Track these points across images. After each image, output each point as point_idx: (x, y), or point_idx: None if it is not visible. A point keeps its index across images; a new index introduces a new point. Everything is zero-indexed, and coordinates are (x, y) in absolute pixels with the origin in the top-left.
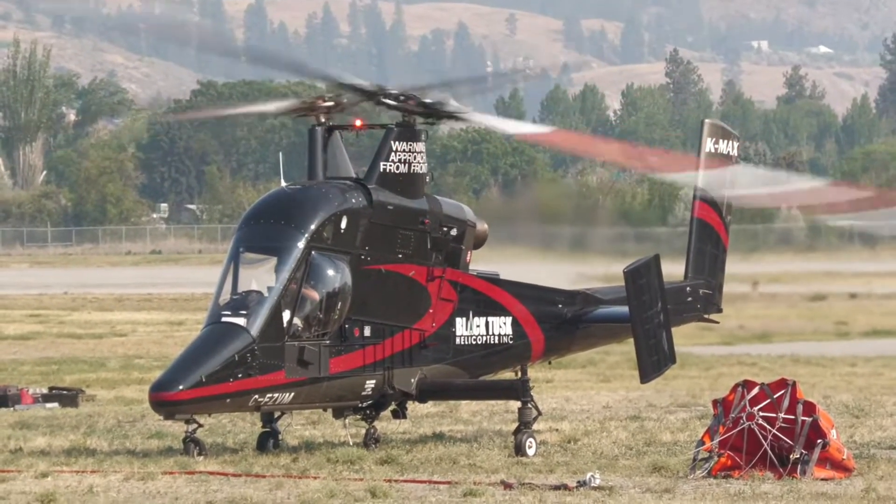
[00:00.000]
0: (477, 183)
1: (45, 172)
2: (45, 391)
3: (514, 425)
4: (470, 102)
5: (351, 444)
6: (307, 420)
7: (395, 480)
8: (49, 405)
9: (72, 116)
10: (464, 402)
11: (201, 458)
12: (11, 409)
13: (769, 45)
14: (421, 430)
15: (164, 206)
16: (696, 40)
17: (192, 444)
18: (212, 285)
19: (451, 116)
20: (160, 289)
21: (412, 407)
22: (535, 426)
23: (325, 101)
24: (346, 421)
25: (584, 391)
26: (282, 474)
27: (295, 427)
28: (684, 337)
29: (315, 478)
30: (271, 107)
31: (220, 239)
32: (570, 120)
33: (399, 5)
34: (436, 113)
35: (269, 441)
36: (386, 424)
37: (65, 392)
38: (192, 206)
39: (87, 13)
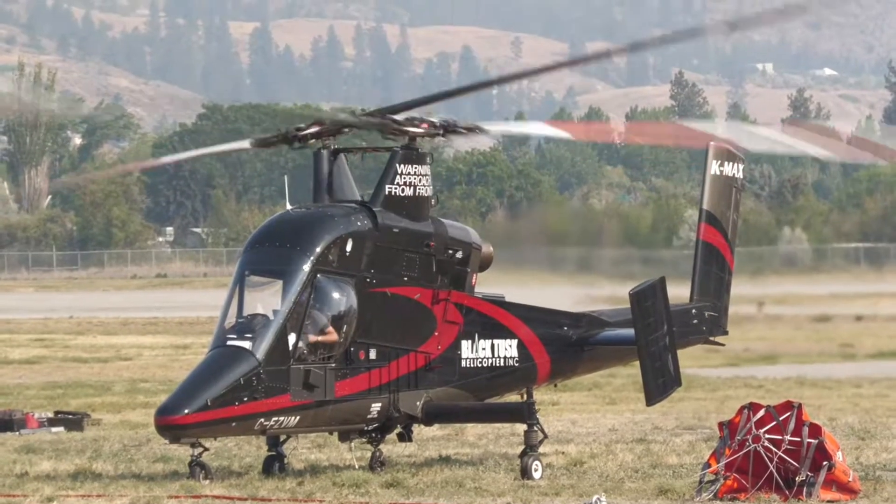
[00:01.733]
0: (483, 206)
1: (50, 196)
2: (50, 415)
3: (520, 448)
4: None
5: (356, 467)
6: (313, 443)
7: (401, 503)
8: (54, 429)
9: (77, 140)
10: (469, 424)
11: (207, 481)
12: (17, 433)
13: (774, 68)
14: (427, 453)
15: (169, 229)
16: (701, 63)
17: (197, 468)
18: (217, 308)
19: (472, 130)
20: (165, 312)
21: (418, 430)
22: (541, 449)
23: (304, 128)
24: (352, 444)
25: (589, 414)
26: (287, 498)
27: (300, 451)
28: (690, 359)
29: (321, 501)
30: (245, 143)
31: (226, 262)
32: (575, 143)
33: (404, 28)
34: (454, 130)
35: (274, 464)
36: (392, 448)
37: (70, 416)
38: (198, 230)
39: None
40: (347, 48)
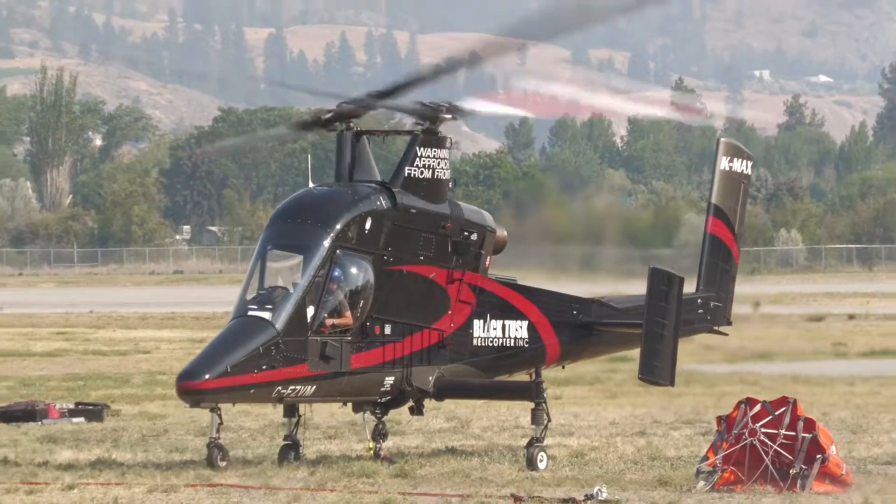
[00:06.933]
0: (487, 207)
1: (71, 196)
2: (71, 406)
3: (524, 440)
4: (480, 127)
5: (369, 438)
6: (324, 434)
7: (409, 493)
8: (75, 420)
9: (97, 141)
10: (475, 418)
11: (224, 463)
12: (39, 423)
13: (771, 75)
14: (433, 444)
15: (186, 228)
16: (700, 69)
17: (215, 450)
18: (232, 304)
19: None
20: (183, 307)
21: (424, 423)
22: (543, 441)
23: (346, 104)
24: (365, 416)
25: (591, 407)
26: (300, 487)
27: (313, 418)
28: (689, 354)
29: (332, 490)
30: (283, 129)
31: (241, 260)
32: (578, 146)
33: (413, 35)
34: (460, 111)
35: (290, 453)
36: (399, 441)
37: (90, 407)
38: (214, 228)
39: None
40: (359, 54)
